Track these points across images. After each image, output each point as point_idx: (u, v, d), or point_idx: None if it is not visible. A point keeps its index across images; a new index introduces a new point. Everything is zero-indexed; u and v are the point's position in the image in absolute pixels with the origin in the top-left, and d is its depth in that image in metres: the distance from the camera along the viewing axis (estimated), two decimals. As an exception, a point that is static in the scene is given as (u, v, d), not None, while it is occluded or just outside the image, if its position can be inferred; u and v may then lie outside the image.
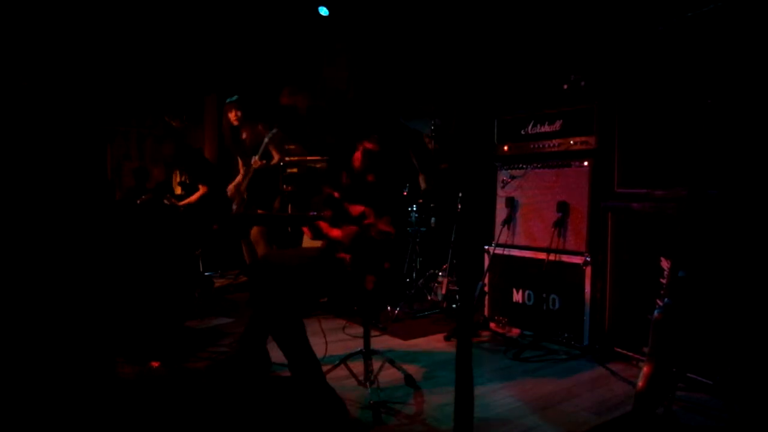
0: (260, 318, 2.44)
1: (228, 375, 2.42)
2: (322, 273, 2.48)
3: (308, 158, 4.82)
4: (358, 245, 2.40)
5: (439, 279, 4.42)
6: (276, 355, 2.65)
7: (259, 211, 4.73)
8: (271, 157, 4.70)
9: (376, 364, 2.73)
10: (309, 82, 6.33)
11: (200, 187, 5.04)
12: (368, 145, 2.53)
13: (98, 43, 6.00)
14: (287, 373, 2.52)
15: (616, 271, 3.20)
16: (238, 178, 4.75)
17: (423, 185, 4.71)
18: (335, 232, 2.47)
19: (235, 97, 4.78)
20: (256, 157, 4.61)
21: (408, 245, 4.61)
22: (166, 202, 4.87)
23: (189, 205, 4.73)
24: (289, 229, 5.15)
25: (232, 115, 4.77)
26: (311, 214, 2.57)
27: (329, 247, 2.51)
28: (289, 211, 4.83)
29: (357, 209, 2.44)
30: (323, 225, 2.52)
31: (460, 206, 4.18)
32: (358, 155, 2.53)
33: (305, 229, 2.60)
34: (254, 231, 4.72)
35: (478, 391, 2.70)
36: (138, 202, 4.33)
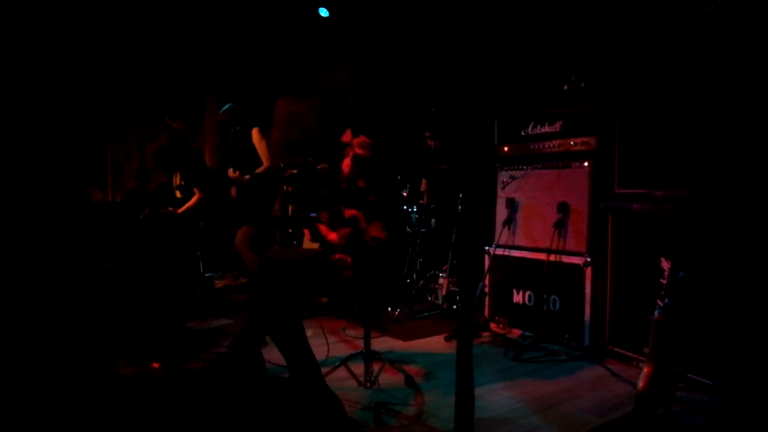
0: (257, 319, 2.43)
1: (223, 376, 2.41)
2: (319, 273, 2.48)
3: (309, 159, 4.77)
4: (353, 248, 2.40)
5: (440, 280, 4.42)
6: (275, 356, 2.65)
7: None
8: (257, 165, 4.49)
9: (376, 365, 2.73)
10: (309, 86, 6.33)
11: (195, 191, 4.99)
12: (358, 151, 2.48)
13: (100, 45, 6.01)
14: (285, 374, 2.52)
15: (616, 271, 3.20)
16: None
17: (424, 188, 4.70)
18: (332, 236, 2.46)
19: (227, 106, 4.70)
20: (231, 169, 4.53)
21: (408, 247, 4.61)
22: (163, 211, 4.83)
23: (188, 210, 4.69)
24: (290, 230, 5.13)
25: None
26: (311, 215, 2.57)
27: (325, 250, 2.51)
28: (290, 213, 4.82)
29: (350, 212, 2.44)
30: (322, 228, 2.52)
31: (460, 207, 4.18)
32: (347, 161, 2.49)
33: (306, 231, 2.59)
34: (238, 238, 4.63)
35: (479, 391, 2.69)
36: (141, 216, 4.29)
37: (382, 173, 2.50)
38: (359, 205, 2.44)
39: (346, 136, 2.57)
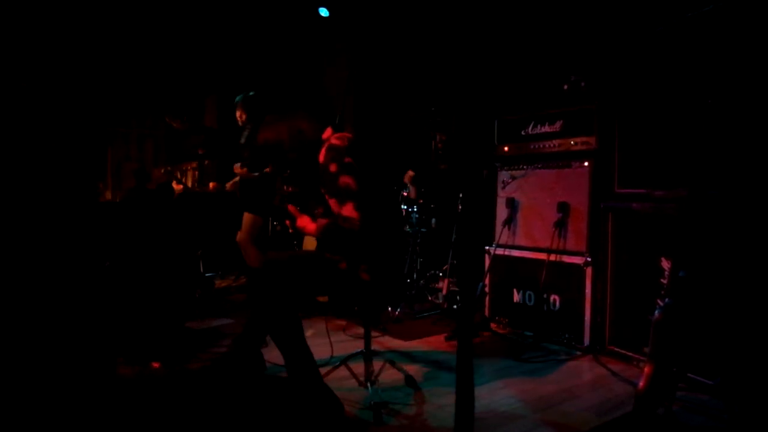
0: (259, 319, 2.43)
1: (223, 375, 2.42)
2: (319, 272, 2.49)
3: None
4: (331, 237, 2.42)
5: (440, 280, 4.42)
6: (275, 356, 2.65)
7: (248, 216, 4.64)
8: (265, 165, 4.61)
9: (376, 365, 2.73)
10: (307, 87, 6.33)
11: (211, 184, 5.03)
12: (334, 141, 2.53)
13: (100, 45, 6.01)
14: (284, 374, 2.52)
15: (616, 271, 3.20)
16: (236, 178, 4.70)
17: (413, 195, 4.68)
18: (311, 226, 2.49)
19: (239, 97, 4.71)
20: (238, 165, 4.54)
21: (408, 246, 4.61)
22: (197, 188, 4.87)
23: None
24: (291, 230, 5.14)
25: (237, 115, 4.72)
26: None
27: (319, 248, 2.52)
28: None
29: (332, 202, 2.47)
30: (301, 217, 2.54)
31: (460, 207, 4.18)
32: (323, 150, 2.55)
33: (287, 223, 2.62)
34: (243, 237, 4.64)
35: (479, 391, 2.69)
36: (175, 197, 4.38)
37: (357, 157, 2.52)
38: (331, 189, 2.46)
39: (327, 133, 2.62)
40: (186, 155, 5.85)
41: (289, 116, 2.62)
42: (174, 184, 5.09)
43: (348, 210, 2.42)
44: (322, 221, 2.46)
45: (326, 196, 2.51)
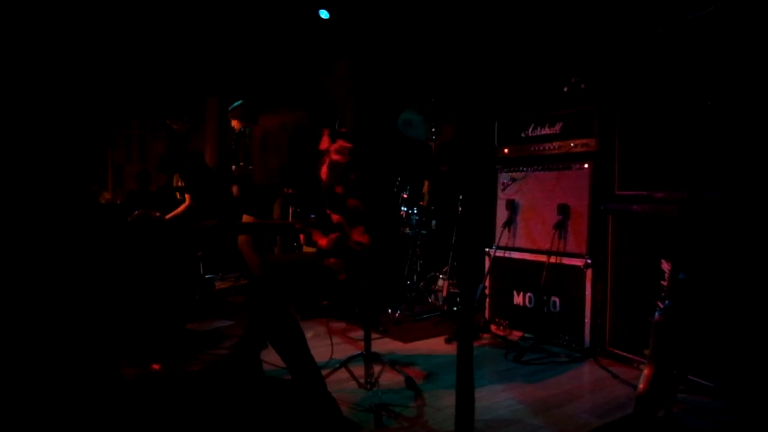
0: (259, 323, 2.43)
1: (221, 378, 2.41)
2: (316, 281, 2.47)
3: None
4: (341, 253, 2.39)
5: (440, 281, 4.42)
6: (273, 358, 2.65)
7: (247, 218, 4.61)
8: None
9: (376, 367, 2.73)
10: (305, 92, 6.34)
11: (186, 197, 4.92)
12: (334, 157, 2.44)
13: (101, 46, 6.02)
14: (283, 376, 2.52)
15: (616, 273, 3.20)
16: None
17: (425, 189, 4.68)
18: (322, 241, 2.45)
19: (233, 105, 4.73)
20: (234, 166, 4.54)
21: (408, 248, 4.61)
22: (156, 214, 4.76)
23: (175, 217, 4.63)
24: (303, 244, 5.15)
25: (233, 123, 4.75)
26: (311, 218, 2.57)
27: (318, 255, 2.50)
28: (290, 215, 4.81)
29: (335, 217, 2.42)
30: (315, 233, 2.50)
31: (460, 209, 4.18)
32: (324, 168, 2.47)
33: (301, 236, 2.59)
34: (241, 239, 4.64)
35: (479, 393, 2.69)
36: (129, 219, 4.17)
37: (362, 177, 2.46)
38: (339, 210, 2.42)
39: (324, 143, 2.53)
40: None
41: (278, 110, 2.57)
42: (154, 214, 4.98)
43: (358, 233, 2.38)
44: (333, 236, 2.41)
45: (327, 210, 2.47)
